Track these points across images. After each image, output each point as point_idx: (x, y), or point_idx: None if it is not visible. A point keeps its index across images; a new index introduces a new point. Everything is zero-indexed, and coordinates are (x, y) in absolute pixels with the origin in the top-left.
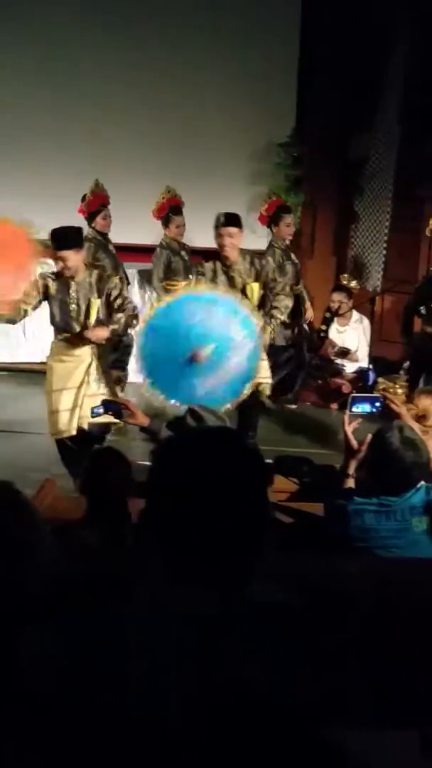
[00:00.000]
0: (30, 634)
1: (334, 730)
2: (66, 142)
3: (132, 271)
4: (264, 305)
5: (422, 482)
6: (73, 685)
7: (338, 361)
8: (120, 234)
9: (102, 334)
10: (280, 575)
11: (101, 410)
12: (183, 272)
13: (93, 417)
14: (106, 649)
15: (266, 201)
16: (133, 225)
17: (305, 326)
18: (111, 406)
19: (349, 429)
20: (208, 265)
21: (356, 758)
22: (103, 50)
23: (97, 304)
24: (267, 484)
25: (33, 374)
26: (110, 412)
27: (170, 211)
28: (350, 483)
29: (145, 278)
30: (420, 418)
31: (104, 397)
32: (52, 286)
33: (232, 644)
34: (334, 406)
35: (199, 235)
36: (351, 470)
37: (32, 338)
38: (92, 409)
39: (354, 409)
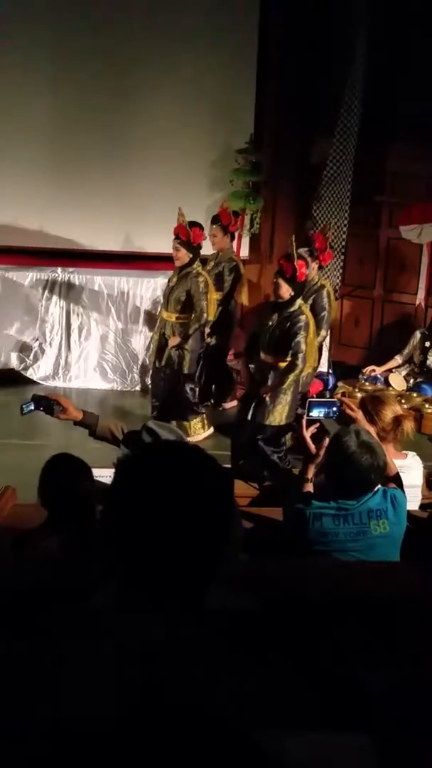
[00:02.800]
0: None
1: (282, 737)
2: (24, 148)
3: (98, 278)
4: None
5: (379, 485)
6: (7, 705)
7: None
8: (80, 238)
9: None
10: (239, 580)
11: (32, 406)
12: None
13: (23, 413)
14: (42, 669)
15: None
16: (95, 230)
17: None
18: (42, 401)
19: (306, 433)
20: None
21: (305, 764)
22: (63, 58)
23: (177, 295)
24: (230, 496)
25: None
26: (41, 408)
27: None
28: (309, 487)
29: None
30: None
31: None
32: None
33: (180, 662)
34: None
35: (157, 242)
36: (309, 474)
37: None
38: (21, 405)
39: (311, 414)
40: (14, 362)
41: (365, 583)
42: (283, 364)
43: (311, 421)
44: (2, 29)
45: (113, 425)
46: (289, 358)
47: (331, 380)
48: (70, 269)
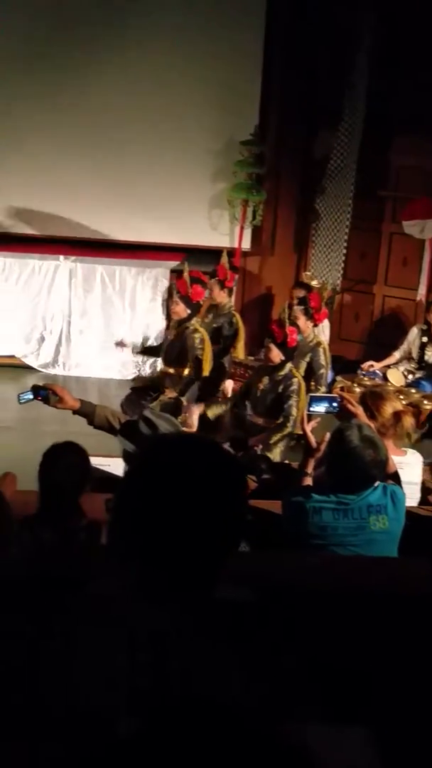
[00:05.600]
0: None
1: (292, 728)
2: (26, 137)
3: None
4: None
5: (379, 482)
6: (15, 689)
7: None
8: (82, 227)
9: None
10: (239, 573)
11: (29, 395)
12: None
13: (20, 402)
14: (50, 656)
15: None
16: (97, 219)
17: None
18: (40, 391)
19: (308, 428)
20: None
21: (315, 755)
22: (67, 48)
23: (174, 349)
24: (245, 487)
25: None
26: (39, 398)
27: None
28: (308, 481)
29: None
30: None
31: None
32: None
33: (188, 651)
34: None
35: (159, 232)
36: (309, 468)
37: None
38: (19, 394)
39: (312, 409)
40: (15, 350)
41: (364, 578)
42: None
43: (311, 416)
44: (8, 22)
45: (110, 415)
46: (280, 420)
47: (330, 375)
48: (72, 258)
